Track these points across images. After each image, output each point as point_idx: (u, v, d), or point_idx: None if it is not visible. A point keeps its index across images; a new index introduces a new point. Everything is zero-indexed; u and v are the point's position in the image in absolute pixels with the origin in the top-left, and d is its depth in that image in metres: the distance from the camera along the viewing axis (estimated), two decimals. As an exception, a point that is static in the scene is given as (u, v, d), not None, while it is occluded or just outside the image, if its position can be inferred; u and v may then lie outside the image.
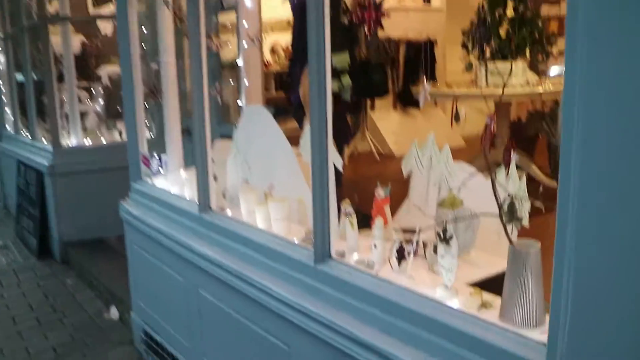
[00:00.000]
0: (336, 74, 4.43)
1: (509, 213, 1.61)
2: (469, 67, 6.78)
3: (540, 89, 6.11)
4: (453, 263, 1.91)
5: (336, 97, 5.23)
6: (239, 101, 4.20)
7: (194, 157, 2.74)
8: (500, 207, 1.74)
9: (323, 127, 1.97)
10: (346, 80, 4.59)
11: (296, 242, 2.31)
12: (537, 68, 7.23)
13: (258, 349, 2.39)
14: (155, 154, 3.60)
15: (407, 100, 8.65)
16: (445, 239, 1.83)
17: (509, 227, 1.75)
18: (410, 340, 1.74)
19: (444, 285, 1.96)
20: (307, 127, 2.93)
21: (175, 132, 3.46)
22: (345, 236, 2.56)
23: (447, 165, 2.82)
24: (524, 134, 7.28)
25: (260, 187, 2.98)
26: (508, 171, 2.14)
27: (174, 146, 3.48)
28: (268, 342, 2.29)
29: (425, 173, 2.91)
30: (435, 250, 2.34)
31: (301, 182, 2.95)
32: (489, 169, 1.85)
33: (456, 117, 2.44)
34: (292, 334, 2.14)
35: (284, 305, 2.12)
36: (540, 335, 1.63)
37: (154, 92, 3.29)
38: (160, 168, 3.58)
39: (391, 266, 1.97)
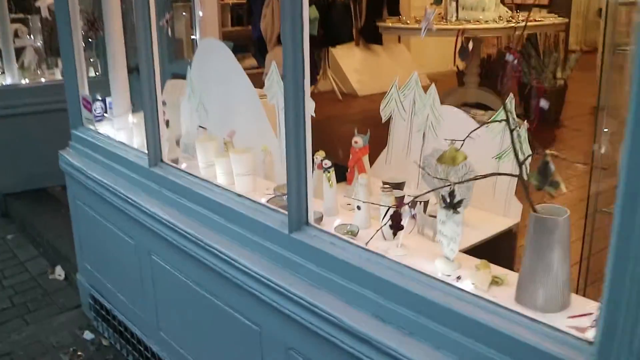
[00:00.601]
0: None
1: (540, 176, 1.28)
2: (438, 0, 6.39)
3: (513, 25, 5.78)
4: (457, 231, 1.59)
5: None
6: (192, 36, 3.75)
7: (142, 101, 2.32)
8: (521, 165, 1.42)
9: (299, 64, 1.59)
10: (313, 12, 4.15)
11: (264, 202, 1.96)
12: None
13: (223, 327, 2.06)
14: (98, 96, 3.15)
15: (369, 37, 8.24)
16: (452, 204, 1.49)
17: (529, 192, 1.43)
18: (411, 329, 1.43)
19: (445, 257, 1.65)
20: (272, 65, 2.53)
21: (121, 70, 3.00)
22: (318, 194, 2.22)
23: (434, 109, 2.49)
24: (493, 72, 6.99)
25: (220, 134, 2.60)
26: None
27: (120, 87, 3.03)
28: (235, 320, 1.96)
29: (408, 118, 2.58)
30: (425, 210, 2.03)
31: (266, 127, 2.58)
32: (507, 117, 1.50)
33: (462, 53, 2.06)
34: (263, 313, 1.81)
35: (253, 280, 1.77)
36: (566, 321, 1.35)
37: (94, 23, 2.82)
38: (104, 112, 3.15)
39: (384, 236, 1.64)
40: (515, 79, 1.46)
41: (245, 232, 1.87)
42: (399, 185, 2.34)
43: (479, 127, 1.74)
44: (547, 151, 1.25)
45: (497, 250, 2.10)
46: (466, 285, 1.48)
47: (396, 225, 1.53)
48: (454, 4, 5.94)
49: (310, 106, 2.35)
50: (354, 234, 1.82)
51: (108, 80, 3.09)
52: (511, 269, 1.65)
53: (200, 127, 2.59)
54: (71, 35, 2.93)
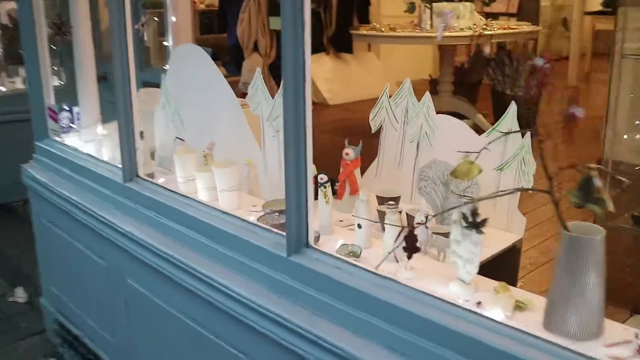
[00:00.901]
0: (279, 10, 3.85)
1: (582, 192, 1.14)
2: (411, 8, 6.31)
3: (488, 33, 5.72)
4: (475, 252, 1.45)
5: (280, 36, 4.66)
6: (165, 42, 3.56)
7: (117, 111, 2.13)
8: (551, 179, 1.28)
9: (300, 70, 1.42)
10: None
11: (255, 222, 1.78)
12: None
13: (205, 356, 1.87)
14: (65, 106, 2.94)
15: (340, 45, 8.13)
16: (475, 224, 1.34)
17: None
18: (432, 364, 1.28)
19: (460, 280, 1.50)
20: (257, 72, 2.36)
21: (90, 78, 2.80)
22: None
23: (429, 119, 2.36)
24: (467, 80, 6.94)
25: (198, 146, 2.42)
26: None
27: (88, 96, 2.83)
28: (220, 349, 1.78)
29: (400, 127, 2.45)
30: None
31: (249, 139, 2.41)
32: (536, 131, 1.36)
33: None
34: (256, 343, 1.63)
35: (245, 308, 1.59)
36: (604, 350, 1.22)
37: (61, 28, 2.62)
38: (71, 123, 2.93)
39: (396, 259, 1.48)
40: (544, 85, 1.32)
41: (236, 255, 1.69)
42: (395, 200, 2.20)
43: (495, 139, 1.61)
44: (591, 165, 1.11)
45: (499, 268, 1.97)
46: (490, 311, 1.34)
47: (411, 248, 1.37)
48: (428, 11, 5.86)
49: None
50: (356, 255, 1.66)
51: (73, 88, 2.89)
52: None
53: (178, 138, 2.40)
54: (35, 40, 2.71)
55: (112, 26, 2.04)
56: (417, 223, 1.40)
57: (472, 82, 6.94)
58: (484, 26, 5.78)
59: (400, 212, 1.74)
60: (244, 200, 2.13)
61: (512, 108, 2.10)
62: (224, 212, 1.81)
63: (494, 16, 8.00)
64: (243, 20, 3.71)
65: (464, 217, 1.36)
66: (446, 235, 1.70)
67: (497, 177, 2.12)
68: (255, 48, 4.02)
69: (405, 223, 1.79)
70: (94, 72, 2.82)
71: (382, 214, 1.97)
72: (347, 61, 8.61)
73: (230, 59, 3.98)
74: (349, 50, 8.34)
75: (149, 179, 2.19)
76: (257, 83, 2.32)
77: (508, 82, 6.26)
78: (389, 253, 1.44)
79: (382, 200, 2.14)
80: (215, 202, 2.13)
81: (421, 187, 2.23)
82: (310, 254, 1.52)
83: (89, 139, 2.84)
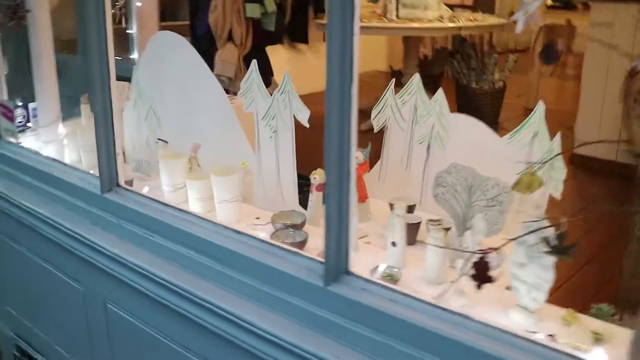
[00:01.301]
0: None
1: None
2: (374, -2, 6.12)
3: (457, 24, 5.59)
4: (545, 277, 1.24)
5: (256, 25, 4.37)
6: (129, 30, 3.23)
7: (93, 108, 1.82)
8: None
9: (347, 60, 1.17)
10: (271, 4, 3.70)
11: (279, 243, 1.51)
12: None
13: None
14: (18, 102, 2.58)
15: (295, 36, 7.86)
16: (561, 249, 1.13)
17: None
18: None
19: (522, 307, 1.30)
20: (252, 65, 2.09)
21: (49, 69, 2.45)
22: (314, 221, 1.82)
23: (442, 118, 2.15)
24: (428, 72, 6.79)
25: (178, 148, 2.14)
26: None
27: (48, 90, 2.48)
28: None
29: (407, 127, 2.23)
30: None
31: (241, 140, 2.15)
32: (630, 136, 1.16)
33: (547, 54, 1.71)
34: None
35: (273, 346, 1.34)
36: None
37: (16, 12, 2.27)
38: (27, 122, 2.59)
39: (462, 291, 1.25)
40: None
41: (255, 282, 1.43)
42: (410, 209, 1.98)
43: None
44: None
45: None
46: (567, 346, 1.13)
47: (482, 277, 1.15)
48: (394, 1, 5.67)
49: (303, 114, 1.96)
50: (395, 279, 1.43)
51: (28, 82, 2.54)
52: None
53: (160, 140, 2.11)
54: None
55: (88, 10, 1.73)
56: (490, 248, 1.18)
57: (434, 75, 6.81)
58: (453, 17, 5.65)
59: (448, 229, 1.52)
60: (245, 212, 1.87)
61: (540, 108, 1.91)
62: (236, 231, 1.54)
63: (450, 7, 7.90)
64: (216, 7, 3.40)
65: (546, 241, 1.15)
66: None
67: (520, 184, 1.93)
68: (229, 38, 3.71)
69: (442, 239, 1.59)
70: (53, 62, 2.48)
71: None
72: (302, 52, 8.34)
73: (197, 50, 3.66)
74: (305, 40, 8.10)
75: (132, 189, 1.89)
76: (252, 77, 2.05)
77: (474, 76, 6.15)
78: (453, 282, 1.21)
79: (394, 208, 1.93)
80: (210, 214, 1.86)
81: (438, 194, 2.01)
82: (352, 282, 1.28)
83: (49, 140, 2.50)
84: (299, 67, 8.12)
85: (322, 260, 1.28)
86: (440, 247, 1.39)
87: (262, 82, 2.04)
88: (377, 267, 1.45)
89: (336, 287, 1.27)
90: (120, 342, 1.93)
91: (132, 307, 1.81)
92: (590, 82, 4.68)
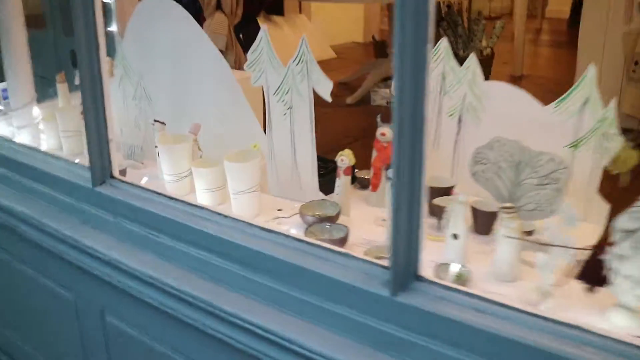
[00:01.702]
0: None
1: None
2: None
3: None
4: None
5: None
6: None
7: (82, 90, 1.53)
8: None
9: (423, 27, 0.92)
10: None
11: (305, 237, 1.26)
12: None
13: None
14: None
15: (270, 7, 7.55)
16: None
17: None
18: None
19: (624, 306, 1.08)
20: (262, 32, 1.82)
21: (20, 45, 2.15)
22: (348, 210, 1.58)
23: (475, 87, 1.92)
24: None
25: (173, 129, 1.88)
26: None
27: (20, 69, 2.18)
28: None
29: (434, 99, 1.99)
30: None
31: (249, 118, 1.89)
32: None
33: None
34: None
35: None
36: None
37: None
38: (-3, 104, 2.29)
39: (567, 295, 1.02)
40: None
41: (297, 293, 1.18)
42: (448, 190, 1.76)
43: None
44: None
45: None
46: None
47: (595, 278, 0.92)
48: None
49: (326, 87, 1.70)
50: (463, 278, 1.19)
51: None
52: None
53: (156, 121, 1.82)
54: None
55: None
56: (604, 242, 0.96)
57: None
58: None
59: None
60: (265, 202, 1.61)
61: (591, 71, 1.70)
62: (263, 228, 1.28)
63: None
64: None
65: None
66: (529, 233, 1.29)
67: (570, 156, 1.72)
68: (218, 6, 3.39)
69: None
70: (25, 36, 2.17)
71: (438, 209, 1.54)
72: (278, 24, 8.04)
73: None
74: (280, 12, 7.81)
75: (129, 181, 1.61)
76: (261, 45, 1.78)
77: (461, 43, 5.92)
78: (552, 286, 0.98)
79: (430, 190, 1.70)
80: (221, 207, 1.61)
81: (477, 172, 1.78)
82: (426, 290, 1.03)
83: (23, 124, 2.21)
84: (275, 40, 7.81)
85: (380, 262, 1.04)
86: (521, 239, 1.16)
87: (274, 52, 1.77)
88: (440, 265, 1.22)
89: (406, 297, 1.03)
90: (120, 357, 1.66)
91: (135, 319, 1.54)
92: (587, 48, 4.51)
